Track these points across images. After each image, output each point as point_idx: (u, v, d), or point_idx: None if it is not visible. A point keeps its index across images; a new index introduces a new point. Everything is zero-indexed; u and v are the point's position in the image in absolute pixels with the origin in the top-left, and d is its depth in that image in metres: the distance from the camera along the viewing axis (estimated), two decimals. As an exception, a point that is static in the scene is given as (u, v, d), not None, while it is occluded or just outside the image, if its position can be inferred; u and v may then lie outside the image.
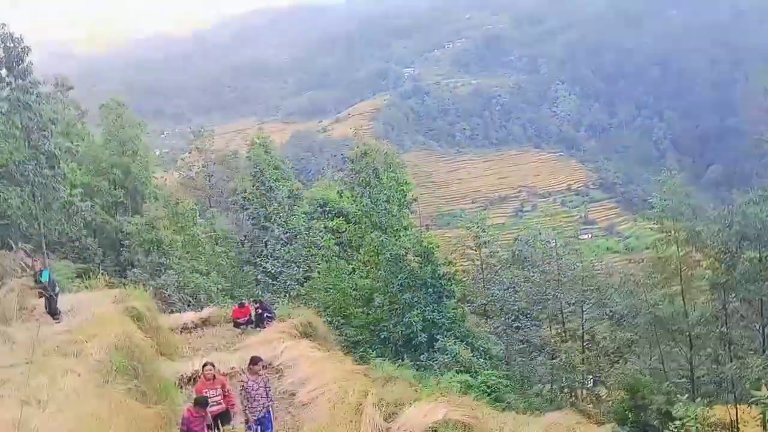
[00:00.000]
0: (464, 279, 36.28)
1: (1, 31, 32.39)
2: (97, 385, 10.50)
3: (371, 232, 30.04)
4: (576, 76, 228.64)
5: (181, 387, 15.14)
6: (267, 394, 11.77)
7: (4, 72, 33.36)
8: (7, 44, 32.51)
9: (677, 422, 13.66)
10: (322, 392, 13.75)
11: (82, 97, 51.54)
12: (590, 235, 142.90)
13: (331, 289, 29.80)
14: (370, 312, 29.24)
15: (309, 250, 35.73)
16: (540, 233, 42.93)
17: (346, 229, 33.97)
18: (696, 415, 14.21)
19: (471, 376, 21.84)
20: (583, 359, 30.51)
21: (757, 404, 27.02)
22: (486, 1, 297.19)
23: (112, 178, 43.93)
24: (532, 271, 37.97)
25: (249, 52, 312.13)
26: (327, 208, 42.93)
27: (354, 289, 29.69)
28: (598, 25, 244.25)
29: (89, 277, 21.61)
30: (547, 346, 33.31)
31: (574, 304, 35.58)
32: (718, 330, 30.73)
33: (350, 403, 12.63)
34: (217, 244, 40.92)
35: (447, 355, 24.29)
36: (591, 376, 34.95)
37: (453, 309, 28.28)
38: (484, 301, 34.86)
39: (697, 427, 13.98)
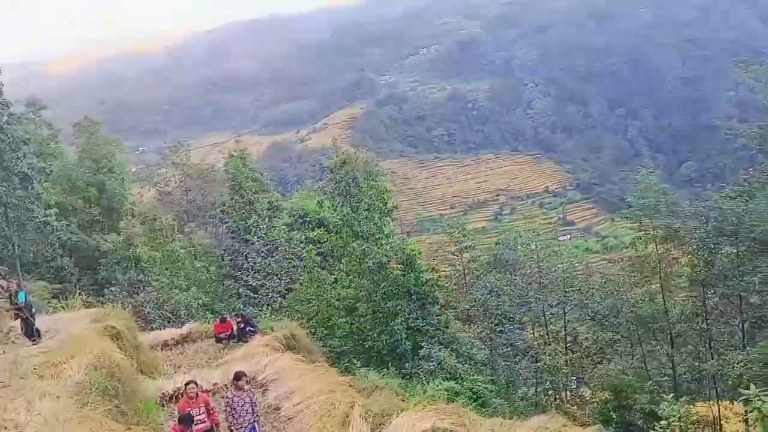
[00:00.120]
0: (446, 285, 36.24)
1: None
2: (76, 408, 10.28)
3: (353, 241, 29.83)
4: (550, 78, 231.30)
5: (163, 405, 14.89)
6: (253, 409, 11.64)
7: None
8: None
9: (663, 422, 13.74)
10: (307, 405, 13.61)
11: (55, 117, 50.98)
12: (569, 236, 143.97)
13: (313, 300, 29.55)
14: (354, 322, 29.01)
15: (290, 262, 35.45)
16: (520, 236, 43.14)
17: (327, 239, 33.71)
18: (681, 414, 14.34)
19: (456, 382, 21.75)
20: (566, 361, 30.61)
21: (748, 402, 27.40)
22: (459, 6, 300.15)
23: (87, 197, 43.44)
24: (514, 274, 38.12)
25: (223, 65, 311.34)
26: (307, 219, 42.64)
27: (337, 299, 29.46)
28: (569, 25, 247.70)
29: (66, 297, 21.22)
30: (531, 349, 33.39)
31: (556, 306, 35.75)
32: (698, 327, 31.04)
33: (336, 415, 12.51)
34: (196, 258, 40.48)
35: (432, 362, 24.20)
36: (574, 378, 35.09)
37: (437, 316, 28.13)
38: (467, 306, 34.86)
39: (681, 426, 14.09)
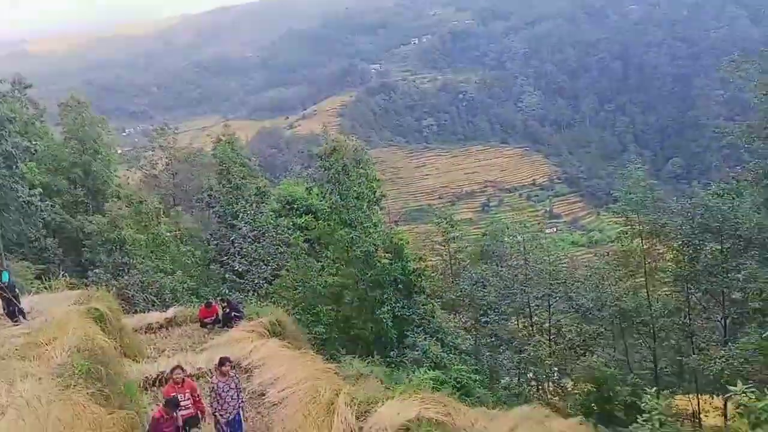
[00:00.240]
0: (433, 275, 36.32)
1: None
2: (58, 390, 10.15)
3: (341, 229, 29.79)
4: (540, 71, 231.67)
5: (146, 389, 14.78)
6: (238, 395, 11.55)
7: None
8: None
9: (645, 415, 13.85)
10: (292, 392, 13.53)
11: (41, 96, 50.21)
12: (555, 229, 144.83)
13: (299, 286, 29.53)
14: (340, 309, 29.05)
15: (277, 248, 35.34)
16: (507, 228, 43.26)
17: (315, 226, 33.62)
18: (662, 408, 14.45)
19: (441, 371, 21.82)
20: (550, 352, 30.79)
21: (730, 397, 27.76)
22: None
23: (72, 177, 42.94)
24: (500, 265, 38.24)
25: (212, 49, 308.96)
26: (295, 206, 42.50)
27: (323, 287, 29.44)
28: (560, 20, 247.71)
29: (49, 278, 20.96)
30: (515, 340, 33.55)
31: (541, 297, 35.90)
32: (680, 322, 31.27)
33: (322, 402, 12.45)
34: (182, 242, 40.23)
35: (417, 351, 24.28)
36: (556, 369, 35.30)
37: (423, 305, 28.26)
38: (453, 296, 34.95)
39: (661, 420, 14.21)
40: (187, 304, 23.40)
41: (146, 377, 14.89)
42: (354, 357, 19.51)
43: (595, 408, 26.70)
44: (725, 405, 28.12)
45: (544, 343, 31.99)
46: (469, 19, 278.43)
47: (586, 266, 44.14)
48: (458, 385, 21.27)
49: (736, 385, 11.87)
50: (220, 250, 38.11)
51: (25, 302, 16.43)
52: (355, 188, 32.13)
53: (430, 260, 38.41)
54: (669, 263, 33.47)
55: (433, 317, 28.46)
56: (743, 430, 17.59)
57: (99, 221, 36.73)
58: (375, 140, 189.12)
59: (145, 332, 19.54)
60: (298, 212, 42.10)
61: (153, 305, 27.43)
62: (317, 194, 37.57)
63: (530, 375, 32.89)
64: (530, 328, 35.93)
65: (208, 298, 23.28)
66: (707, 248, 29.99)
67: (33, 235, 35.32)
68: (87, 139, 44.28)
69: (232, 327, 19.16)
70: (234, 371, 12.81)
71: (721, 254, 29.67)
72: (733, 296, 29.96)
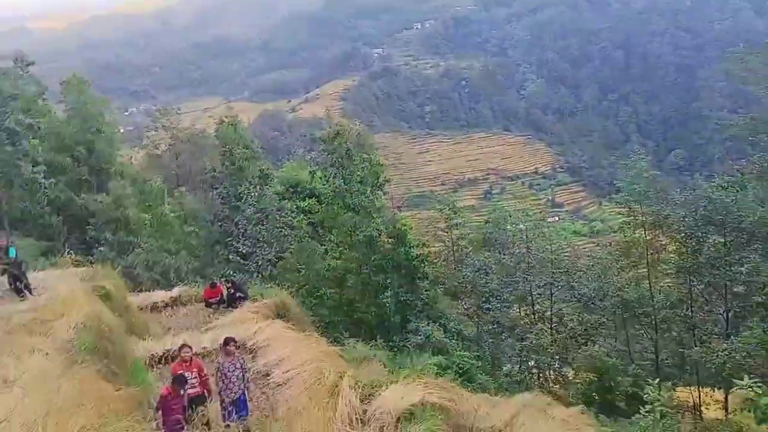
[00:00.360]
0: (435, 261, 36.35)
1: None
2: (65, 366, 10.16)
3: (344, 213, 29.77)
4: (543, 59, 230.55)
5: (152, 366, 14.83)
6: (243, 375, 11.54)
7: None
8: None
9: (648, 406, 13.91)
10: (297, 373, 13.56)
11: (42, 74, 49.83)
12: (557, 218, 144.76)
13: (303, 269, 29.55)
14: (343, 293, 29.09)
15: (281, 231, 35.33)
16: (510, 216, 43.18)
17: (318, 209, 33.59)
18: (664, 399, 14.52)
19: (444, 357, 21.89)
20: (552, 341, 30.86)
21: (729, 390, 27.88)
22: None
23: (76, 156, 42.79)
24: (502, 253, 38.22)
25: (214, 30, 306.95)
26: (298, 189, 42.46)
27: (327, 270, 29.46)
28: (563, 7, 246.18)
29: (54, 255, 20.98)
30: (517, 328, 33.62)
31: (543, 286, 35.91)
32: (682, 314, 31.30)
33: (326, 384, 12.47)
34: (186, 223, 40.21)
35: (420, 336, 24.35)
36: (557, 357, 35.43)
37: (426, 291, 28.30)
38: (455, 283, 34.97)
39: (662, 411, 14.28)
40: (192, 285, 23.40)
41: (152, 355, 14.95)
42: (357, 340, 19.52)
43: (596, 397, 26.83)
44: (726, 398, 28.24)
45: (547, 331, 32.03)
46: (471, 4, 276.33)
47: (588, 256, 44.13)
48: (460, 371, 21.34)
49: (737, 379, 11.90)
50: (224, 231, 38.10)
51: (31, 279, 16.46)
52: (358, 173, 32.06)
53: (433, 246, 38.40)
54: (672, 255, 33.48)
55: (436, 303, 28.52)
56: (746, 424, 17.70)
57: (103, 200, 36.70)
58: (377, 125, 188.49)
59: (151, 311, 19.63)
60: (301, 195, 42.07)
61: (158, 284, 27.48)
62: (321, 178, 37.50)
63: (531, 363, 33.00)
64: (532, 316, 35.97)
65: (212, 278, 23.33)
66: (710, 241, 29.96)
67: (37, 212, 35.31)
68: (90, 118, 44.11)
69: (237, 308, 19.21)
70: (239, 351, 12.84)
71: (724, 247, 29.63)
72: (736, 289, 30.00)
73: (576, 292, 35.51)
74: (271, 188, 40.81)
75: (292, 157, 68.77)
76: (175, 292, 21.18)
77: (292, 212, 37.30)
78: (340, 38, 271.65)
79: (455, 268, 36.91)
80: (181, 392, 10.25)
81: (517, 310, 38.28)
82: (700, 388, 30.21)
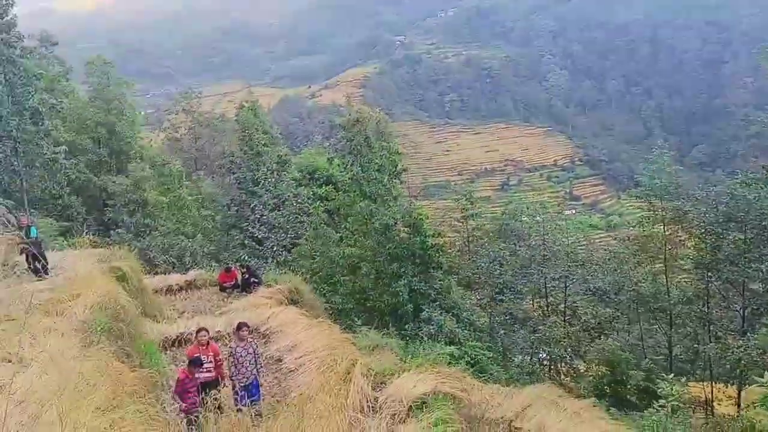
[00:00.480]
0: (450, 251, 36.30)
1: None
2: (81, 346, 10.28)
3: (361, 201, 29.78)
4: (567, 51, 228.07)
5: (166, 349, 14.97)
6: (256, 360, 11.61)
7: (-14, 25, 32.48)
8: (-10, -3, 31.59)
9: (661, 401, 13.84)
10: (309, 359, 13.64)
11: (64, 55, 50.25)
12: (574, 211, 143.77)
13: (317, 256, 29.63)
14: (357, 281, 29.12)
15: (297, 217, 35.46)
16: (527, 208, 42.99)
17: (335, 196, 33.64)
18: (678, 394, 14.45)
19: (456, 347, 21.89)
20: (566, 333, 30.74)
21: (742, 386, 27.68)
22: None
23: (96, 137, 43.19)
24: (518, 245, 38.08)
25: (237, 15, 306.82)
26: (316, 175, 42.56)
27: (341, 257, 29.52)
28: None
29: (72, 235, 21.20)
30: (530, 320, 33.52)
31: (558, 279, 35.73)
32: (698, 309, 31.04)
33: (339, 371, 12.53)
34: (203, 206, 40.49)
35: (432, 325, 24.34)
36: (570, 350, 35.32)
37: (440, 280, 28.24)
38: (470, 273, 34.91)
39: (675, 406, 14.20)
40: (207, 268, 23.59)
41: (166, 337, 15.10)
42: (370, 328, 19.57)
43: (607, 391, 26.70)
44: (739, 394, 28.02)
45: (560, 323, 31.91)
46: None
47: (604, 249, 43.85)
48: (472, 362, 21.33)
49: (752, 376, 11.79)
50: (240, 216, 38.32)
51: (49, 258, 16.65)
52: (376, 160, 32.06)
53: (448, 236, 38.34)
54: (690, 250, 33.18)
55: (450, 293, 28.46)
56: (759, 420, 17.58)
57: (122, 182, 37.04)
58: (397, 113, 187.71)
59: (166, 293, 19.81)
60: (318, 182, 42.19)
61: (173, 267, 27.76)
62: (338, 165, 37.52)
63: (543, 355, 32.91)
64: (545, 309, 35.85)
65: (227, 262, 23.50)
66: (730, 237, 29.62)
67: (57, 192, 35.71)
68: (112, 100, 44.47)
69: (251, 292, 19.35)
70: (252, 336, 12.91)
71: (744, 244, 29.30)
72: (754, 287, 29.70)
73: (591, 285, 35.32)
74: (288, 174, 40.97)
75: (310, 144, 68.87)
76: (190, 275, 21.37)
77: (309, 199, 37.40)
78: (362, 25, 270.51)
79: (470, 259, 36.83)
80: (195, 375, 10.37)
81: (531, 302, 38.17)
82: (714, 384, 30.00)
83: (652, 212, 33.53)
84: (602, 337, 32.53)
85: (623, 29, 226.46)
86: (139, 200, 35.46)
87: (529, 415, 14.52)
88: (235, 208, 39.46)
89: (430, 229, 30.94)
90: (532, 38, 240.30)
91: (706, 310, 30.62)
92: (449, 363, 16.55)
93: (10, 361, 9.24)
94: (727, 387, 29.64)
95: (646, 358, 31.68)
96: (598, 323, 33.66)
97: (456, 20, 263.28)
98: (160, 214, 35.07)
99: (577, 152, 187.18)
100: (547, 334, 30.02)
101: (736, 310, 30.76)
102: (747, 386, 27.14)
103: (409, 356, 14.94)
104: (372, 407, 11.51)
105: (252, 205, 36.87)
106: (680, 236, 34.82)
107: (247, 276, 20.11)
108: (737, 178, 31.57)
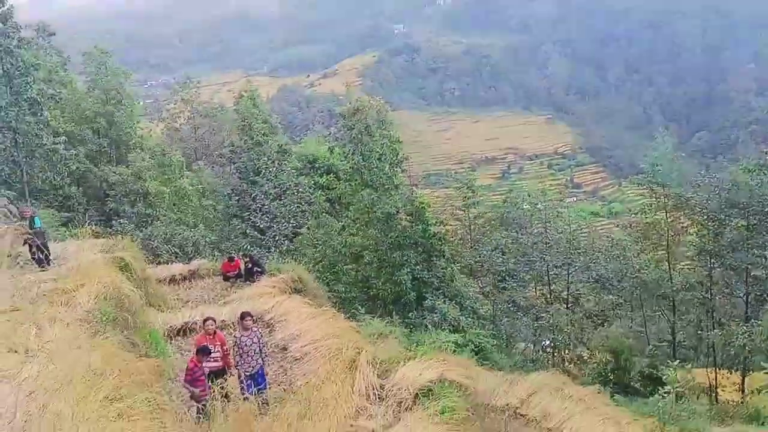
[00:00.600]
0: (452, 239, 36.28)
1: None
2: (87, 336, 10.24)
3: (362, 190, 29.71)
4: (568, 38, 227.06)
5: (170, 338, 14.95)
6: (260, 349, 11.57)
7: (-17, 16, 32.26)
8: (-14, -13, 31.37)
9: (666, 387, 13.86)
10: (314, 348, 13.63)
11: (62, 45, 49.94)
12: (575, 199, 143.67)
13: (320, 245, 29.60)
14: (360, 269, 29.11)
15: (299, 206, 35.42)
16: (529, 195, 42.93)
17: (336, 186, 33.57)
18: (682, 382, 14.48)
19: (460, 335, 21.89)
20: (569, 321, 30.78)
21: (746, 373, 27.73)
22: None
23: (95, 127, 43.01)
24: (520, 233, 38.06)
25: (234, 3, 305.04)
26: (316, 165, 42.47)
27: (343, 246, 29.49)
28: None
29: (74, 226, 21.14)
30: (533, 308, 33.55)
31: (560, 266, 35.75)
32: (701, 296, 31.10)
33: (344, 359, 12.52)
34: (204, 196, 40.42)
35: (436, 313, 24.36)
36: (573, 337, 35.40)
37: (443, 268, 28.22)
38: (472, 262, 34.90)
39: (679, 392, 14.23)
40: (210, 258, 23.54)
41: (170, 327, 15.07)
42: (373, 317, 19.57)
43: (611, 377, 26.73)
44: (743, 380, 28.11)
45: (563, 311, 31.95)
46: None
47: (606, 237, 43.86)
48: (476, 349, 21.35)
49: (759, 362, 11.79)
50: (241, 205, 38.27)
51: (51, 249, 16.58)
52: (377, 149, 31.95)
53: (450, 225, 38.30)
54: (693, 237, 33.21)
55: (453, 281, 28.45)
56: (763, 406, 17.58)
57: (123, 172, 36.93)
58: (396, 102, 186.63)
59: (169, 283, 19.75)
60: (319, 171, 42.09)
61: (176, 257, 27.71)
62: (339, 154, 37.41)
63: (546, 342, 32.99)
64: (548, 296, 35.87)
65: (230, 252, 23.45)
66: (733, 223, 29.65)
67: (58, 182, 35.60)
68: (110, 89, 44.27)
69: (254, 282, 19.32)
70: (256, 326, 12.88)
71: (746, 230, 29.33)
72: (756, 273, 29.74)
73: (593, 273, 35.35)
74: (289, 164, 40.85)
75: (309, 133, 68.74)
76: (193, 265, 21.31)
77: (310, 188, 37.31)
78: (360, 14, 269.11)
79: (472, 247, 36.82)
80: (203, 363, 10.39)
81: (533, 289, 38.20)
82: (717, 370, 30.10)
83: (654, 199, 33.51)
84: (605, 324, 32.60)
85: (623, 15, 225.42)
86: (140, 190, 35.36)
87: (534, 402, 14.58)
88: (236, 197, 39.40)
89: (432, 217, 30.91)
90: (532, 26, 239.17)
91: (709, 296, 30.68)
92: (454, 351, 16.58)
93: (16, 352, 9.19)
94: (731, 373, 29.72)
95: (649, 344, 31.78)
96: (601, 310, 33.73)
97: (455, 8, 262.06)
98: (162, 204, 34.98)
99: (578, 140, 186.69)
100: (551, 321, 30.07)
101: (740, 297, 30.82)
102: (751, 372, 27.22)
103: (414, 344, 14.95)
104: (378, 395, 11.53)
105: (253, 195, 36.81)
106: (682, 223, 34.83)
107: (250, 265, 20.07)
108: (740, 165, 31.52)
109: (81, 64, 47.62)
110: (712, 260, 30.64)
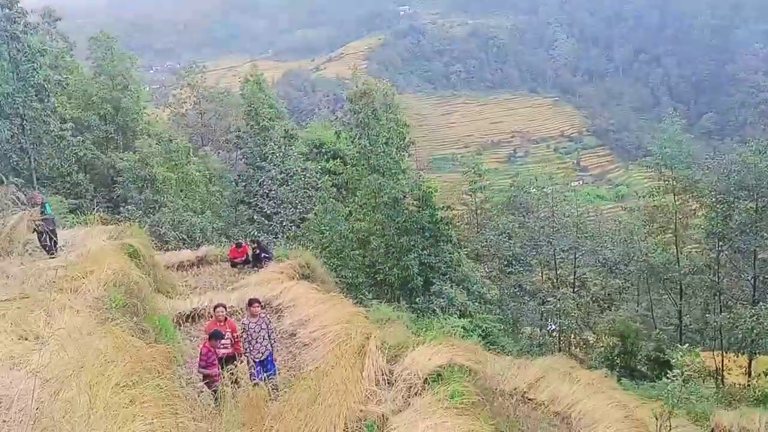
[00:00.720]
0: (459, 224, 36.25)
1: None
2: (97, 322, 10.28)
3: (369, 175, 29.63)
4: (575, 19, 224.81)
5: (179, 324, 14.99)
6: (269, 335, 11.59)
7: (-11, 1, 32.17)
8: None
9: (675, 371, 13.83)
10: (323, 333, 13.64)
11: (67, 30, 49.72)
12: (581, 182, 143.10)
13: (327, 230, 29.60)
14: (366, 255, 29.11)
15: (305, 192, 35.37)
16: (535, 179, 42.80)
17: (343, 170, 33.49)
18: (691, 365, 14.46)
19: (467, 319, 21.92)
20: (576, 305, 30.77)
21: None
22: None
23: (102, 113, 42.93)
24: (526, 217, 37.99)
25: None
26: (323, 149, 42.35)
27: (350, 232, 29.47)
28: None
29: (83, 213, 21.19)
30: (540, 292, 33.55)
31: (567, 250, 35.70)
32: (709, 279, 31.02)
33: (353, 344, 12.52)
34: (210, 182, 40.40)
35: (443, 298, 24.38)
36: (579, 321, 35.40)
37: (450, 253, 28.20)
38: (478, 246, 34.90)
39: (688, 375, 14.20)
40: (217, 244, 23.58)
41: (179, 313, 15.10)
42: (380, 302, 19.60)
43: (618, 361, 26.77)
44: (750, 363, 28.10)
45: (570, 295, 31.93)
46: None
47: (614, 221, 43.72)
48: (483, 334, 21.39)
49: (764, 345, 11.75)
50: (248, 191, 38.25)
51: (60, 236, 16.62)
52: (384, 133, 31.81)
53: (456, 209, 38.26)
54: (701, 220, 33.09)
55: (459, 266, 28.43)
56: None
57: (130, 158, 36.91)
58: (401, 85, 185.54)
59: (177, 269, 19.78)
60: (325, 156, 41.99)
61: (184, 243, 27.78)
62: (345, 138, 37.30)
63: (553, 326, 33.03)
64: (555, 281, 35.85)
65: (237, 238, 23.46)
66: (741, 206, 29.48)
67: (65, 169, 35.64)
68: (116, 75, 44.12)
69: (262, 268, 19.33)
70: (265, 312, 12.88)
71: (755, 213, 29.17)
72: (764, 256, 29.65)
73: (600, 257, 35.29)
74: (295, 149, 40.75)
75: (315, 117, 68.49)
76: (201, 251, 21.33)
77: (317, 173, 37.24)
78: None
79: (478, 231, 36.82)
80: (218, 345, 10.47)
81: (540, 274, 38.19)
82: (723, 353, 30.09)
83: (662, 182, 33.33)
84: (611, 308, 32.58)
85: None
86: (148, 176, 35.35)
87: (543, 386, 14.62)
88: (243, 183, 39.38)
89: (438, 202, 30.85)
90: (539, 6, 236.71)
91: (716, 279, 30.59)
92: (462, 336, 16.60)
93: (27, 339, 9.23)
94: (737, 356, 29.71)
95: (656, 328, 31.76)
96: (608, 294, 33.68)
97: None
98: (169, 190, 34.98)
99: (585, 122, 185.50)
100: (557, 306, 30.06)
101: (747, 280, 30.71)
102: (758, 355, 27.21)
103: (423, 329, 14.96)
104: (387, 380, 11.54)
105: (260, 180, 36.77)
106: (690, 205, 34.68)
107: (258, 251, 20.09)
108: (750, 146, 31.27)
109: (87, 50, 47.46)
110: (720, 243, 30.51)
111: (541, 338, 31.84)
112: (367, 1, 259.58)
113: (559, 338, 33.97)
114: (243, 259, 20.27)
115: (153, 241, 20.09)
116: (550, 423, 13.22)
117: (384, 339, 12.80)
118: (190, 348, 12.80)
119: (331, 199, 31.58)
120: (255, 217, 34.84)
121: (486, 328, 22.49)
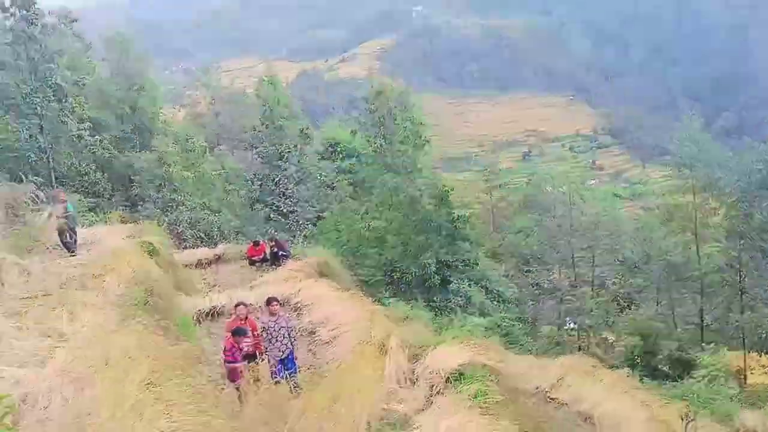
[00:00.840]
0: (475, 222, 36.07)
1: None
2: (119, 320, 10.26)
3: (385, 174, 29.57)
4: (590, 18, 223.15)
5: (199, 322, 14.99)
6: (289, 334, 11.51)
7: (7, 2, 32.40)
8: (10, -27, 31.50)
9: (702, 371, 13.65)
10: (343, 331, 13.58)
11: (83, 31, 50.05)
12: (596, 181, 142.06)
13: (343, 229, 29.55)
14: (383, 253, 29.04)
15: (322, 190, 35.37)
16: (552, 179, 42.50)
17: (359, 169, 33.47)
18: (718, 364, 14.26)
19: (486, 319, 21.78)
20: (596, 303, 30.52)
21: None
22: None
23: (119, 113, 43.20)
24: (544, 216, 37.74)
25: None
26: (338, 149, 42.34)
27: (367, 230, 29.42)
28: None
29: (102, 212, 21.30)
30: (559, 291, 33.31)
31: (585, 249, 35.43)
32: (731, 279, 30.63)
33: (374, 343, 12.43)
34: (227, 181, 40.50)
35: (461, 296, 24.25)
36: (599, 320, 35.09)
37: (467, 252, 28.06)
38: (496, 245, 34.73)
39: (712, 376, 14.02)
40: (235, 242, 23.60)
41: (199, 311, 15.10)
42: (398, 300, 19.50)
43: (639, 361, 26.49)
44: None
45: (589, 294, 31.68)
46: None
47: (632, 219, 43.34)
48: (503, 333, 21.24)
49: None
50: (264, 190, 38.32)
51: (79, 234, 16.68)
52: (400, 132, 31.73)
53: (473, 208, 38.10)
54: (716, 218, 32.75)
55: (477, 264, 28.28)
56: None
57: (147, 157, 37.10)
58: (415, 85, 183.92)
59: (195, 267, 19.83)
60: (341, 155, 41.96)
61: (202, 241, 27.85)
62: (362, 138, 37.23)
63: (572, 325, 32.79)
64: (573, 280, 35.57)
65: (255, 236, 23.48)
66: (763, 205, 29.11)
67: (83, 168, 35.90)
68: (133, 75, 44.38)
69: (280, 266, 19.31)
70: (284, 310, 12.82)
71: (777, 211, 28.81)
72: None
73: (619, 256, 34.98)
74: (311, 148, 40.75)
75: (330, 118, 68.51)
76: (219, 249, 21.41)
77: (333, 172, 37.23)
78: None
79: (494, 230, 36.65)
80: (241, 340, 10.47)
81: (558, 272, 37.91)
82: (748, 353, 29.69)
83: (682, 180, 33.00)
84: (631, 307, 32.27)
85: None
86: (165, 175, 35.52)
87: (565, 385, 14.44)
88: (259, 182, 39.43)
89: (455, 201, 30.71)
90: (554, 5, 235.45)
91: (738, 279, 30.21)
92: (483, 335, 16.45)
93: (49, 336, 9.22)
94: (760, 356, 29.33)
95: (677, 328, 31.43)
96: (627, 293, 33.38)
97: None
98: (186, 189, 35.14)
99: (600, 121, 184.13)
100: (577, 304, 29.84)
101: (768, 279, 30.32)
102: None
103: (444, 328, 14.86)
104: (409, 379, 11.45)
105: (276, 179, 36.81)
106: (710, 204, 34.29)
107: (275, 249, 20.09)
108: (770, 145, 30.88)
109: (101, 50, 47.76)
110: (742, 242, 30.12)
111: (559, 337, 31.59)
112: (380, 2, 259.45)
113: (578, 337, 33.71)
114: (261, 257, 20.28)
115: (171, 239, 20.16)
116: (574, 423, 13.05)
117: (404, 337, 12.70)
118: (210, 345, 12.76)
119: (347, 198, 31.54)
120: (271, 215, 34.90)
121: (505, 326, 22.33)
